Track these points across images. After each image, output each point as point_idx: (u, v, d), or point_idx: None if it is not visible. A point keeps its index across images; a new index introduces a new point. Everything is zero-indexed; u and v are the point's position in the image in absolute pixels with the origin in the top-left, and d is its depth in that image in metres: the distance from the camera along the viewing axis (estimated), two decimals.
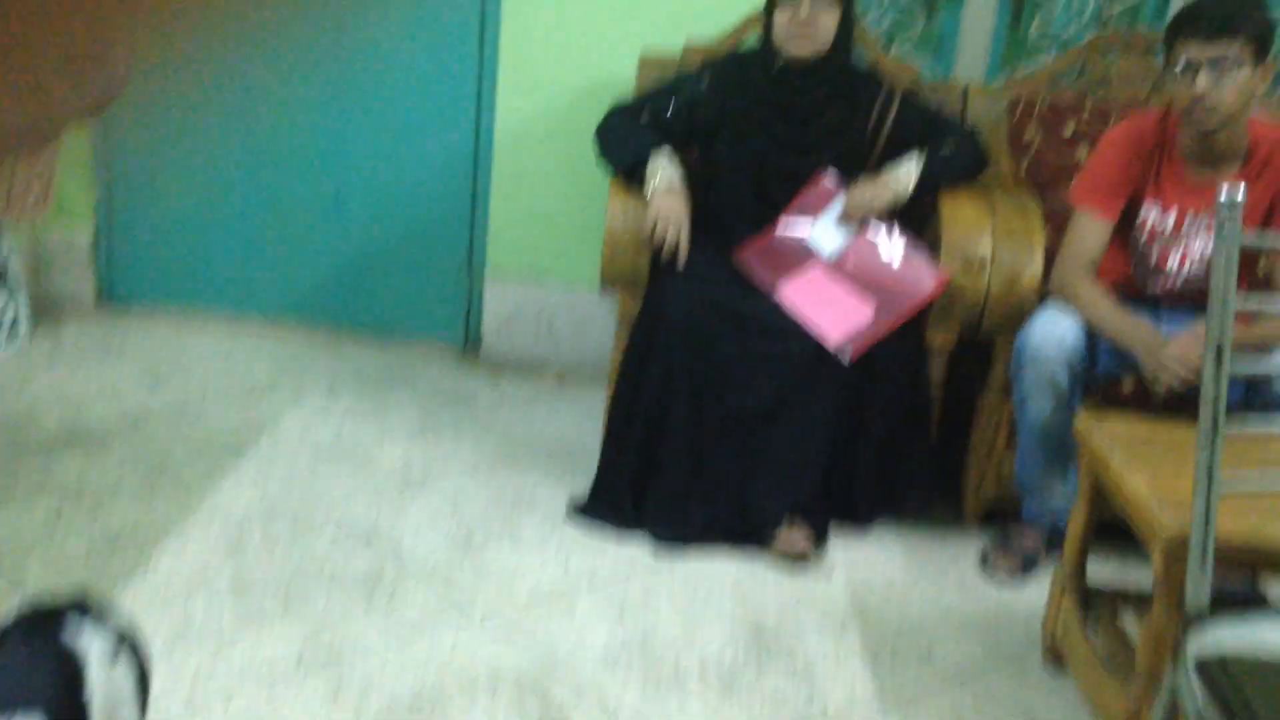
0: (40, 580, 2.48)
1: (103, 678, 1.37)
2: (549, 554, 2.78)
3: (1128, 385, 2.73)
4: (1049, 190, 3.19)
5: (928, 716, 2.31)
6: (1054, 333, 2.65)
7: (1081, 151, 3.23)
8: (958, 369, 3.02)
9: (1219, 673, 1.61)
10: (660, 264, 2.95)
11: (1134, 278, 2.83)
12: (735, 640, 2.51)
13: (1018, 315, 2.79)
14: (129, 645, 1.44)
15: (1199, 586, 1.70)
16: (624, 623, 2.54)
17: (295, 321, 3.98)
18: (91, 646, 1.38)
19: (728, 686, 2.35)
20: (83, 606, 1.48)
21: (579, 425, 3.41)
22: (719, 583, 2.72)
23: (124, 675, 1.42)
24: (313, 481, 3.00)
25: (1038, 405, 2.69)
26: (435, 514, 2.90)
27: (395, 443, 3.25)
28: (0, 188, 1.14)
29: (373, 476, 3.06)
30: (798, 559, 2.79)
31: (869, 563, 2.86)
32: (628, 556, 2.79)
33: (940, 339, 2.92)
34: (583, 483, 3.01)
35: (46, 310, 3.89)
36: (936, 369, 2.94)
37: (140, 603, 2.42)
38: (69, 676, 1.34)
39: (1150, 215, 2.77)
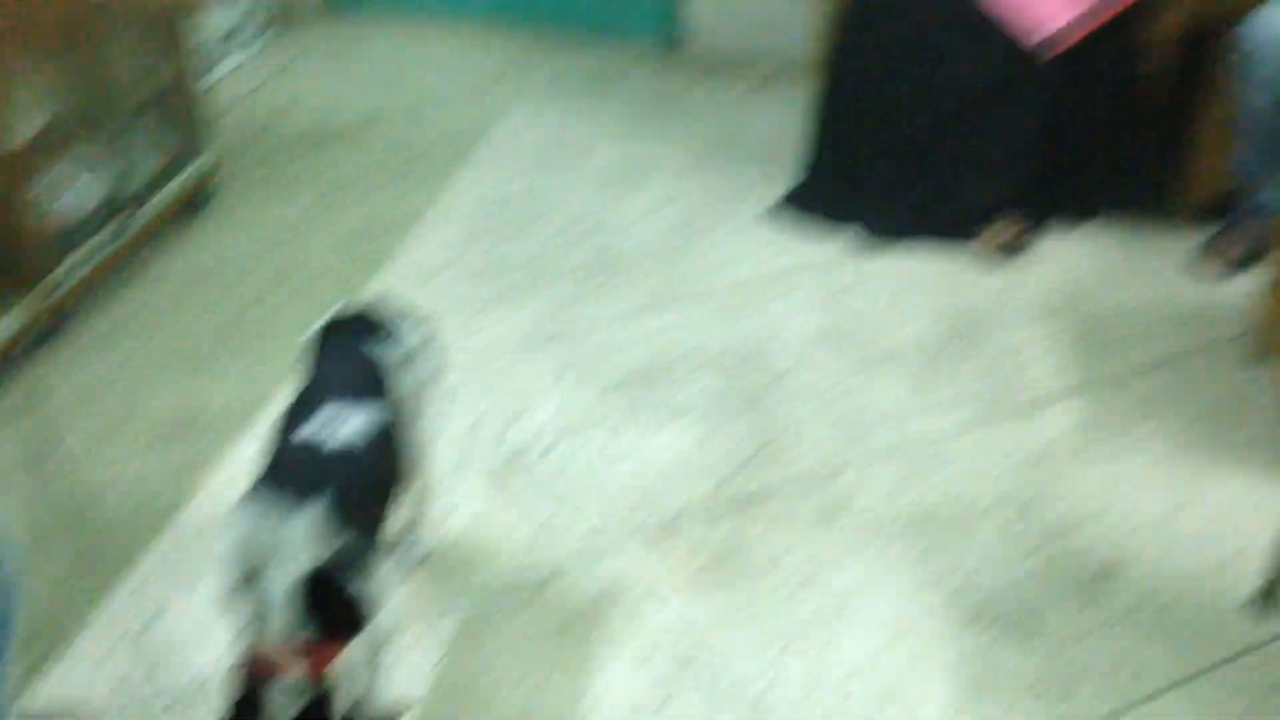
0: (310, 263, 2.79)
1: (402, 380, 1.60)
2: (761, 244, 2.93)
3: None
4: None
5: (1128, 401, 2.41)
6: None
7: None
8: (1180, 61, 2.91)
9: None
10: None
11: None
12: (940, 325, 2.63)
13: (1244, 5, 2.66)
14: (420, 353, 1.67)
15: None
16: (834, 306, 2.69)
17: (509, 24, 4.09)
18: (390, 353, 1.61)
19: (931, 368, 2.50)
20: (377, 318, 1.71)
21: (787, 122, 3.46)
22: (926, 272, 2.82)
23: (416, 378, 1.65)
24: (538, 176, 3.19)
25: (1260, 98, 2.61)
26: (652, 207, 3.07)
27: (610, 141, 3.40)
28: None
29: (591, 172, 3.23)
30: (1007, 251, 2.86)
31: (1080, 257, 2.90)
32: (837, 247, 2.91)
33: (1163, 29, 2.82)
34: (792, 177, 3.11)
35: (279, 19, 4.10)
36: (1158, 61, 2.85)
37: (398, 282, 2.70)
38: (376, 378, 1.57)
39: None
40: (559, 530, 2.03)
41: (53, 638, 1.78)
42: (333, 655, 1.34)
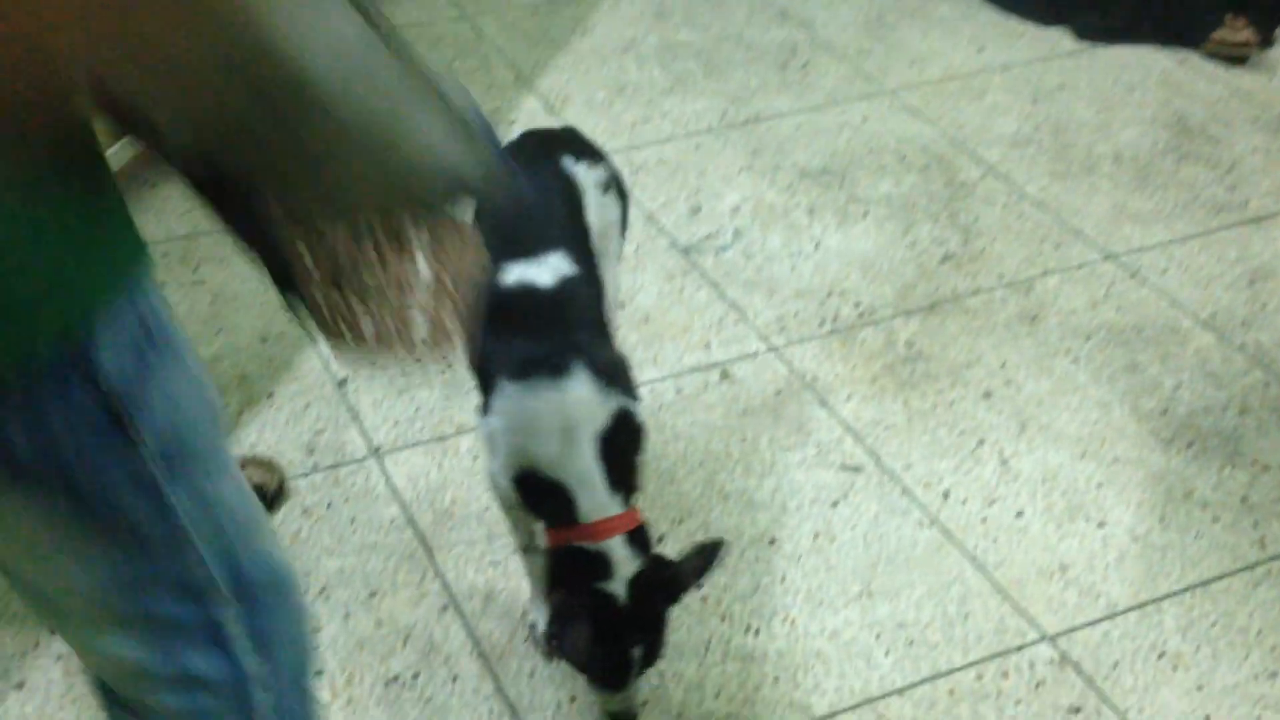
0: (483, 40, 2.73)
1: (597, 201, 1.53)
2: (963, 38, 2.75)
3: None
4: None
5: None
6: None
7: None
8: None
9: None
10: None
11: None
12: (1155, 132, 2.45)
13: None
14: (616, 181, 1.60)
15: None
16: (1036, 108, 2.52)
17: None
18: (588, 175, 1.53)
19: (1142, 177, 2.33)
20: (576, 140, 1.63)
21: None
22: (1144, 74, 2.61)
23: (612, 204, 1.58)
24: None
25: None
26: None
27: None
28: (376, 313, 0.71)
29: None
30: (1236, 54, 2.62)
31: None
32: (1046, 44, 2.71)
33: None
34: None
35: None
36: None
37: (579, 64, 2.63)
38: (572, 196, 1.50)
39: None
40: (744, 318, 1.99)
41: (248, 393, 1.83)
42: (638, 513, 1.32)
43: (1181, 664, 1.49)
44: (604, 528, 1.28)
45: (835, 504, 1.69)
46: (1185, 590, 1.58)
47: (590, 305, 1.42)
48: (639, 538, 1.31)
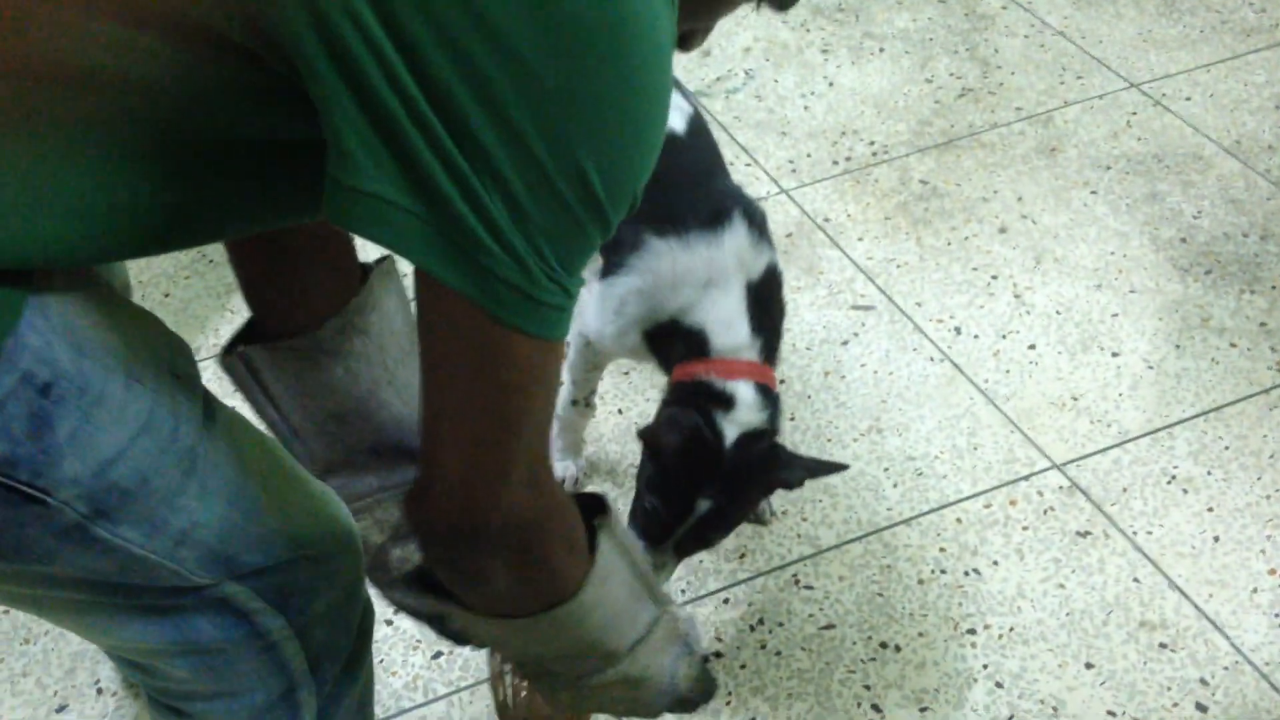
0: None
1: None
2: None
3: None
4: None
5: None
6: None
7: None
8: None
9: None
10: None
11: None
12: None
13: None
14: None
15: None
16: None
17: None
18: None
19: (1168, 2, 2.24)
20: None
21: None
22: None
23: None
24: None
25: None
26: None
27: None
28: None
29: None
30: None
31: None
32: None
33: None
34: None
35: None
36: None
37: None
38: None
39: None
40: (755, 161, 1.96)
41: None
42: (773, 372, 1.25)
43: (1192, 487, 1.49)
44: (736, 367, 1.20)
45: (845, 343, 1.68)
46: (1199, 415, 1.57)
47: (715, 147, 1.36)
48: (768, 395, 1.21)
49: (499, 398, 0.63)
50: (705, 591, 1.38)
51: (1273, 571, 1.40)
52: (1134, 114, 2.02)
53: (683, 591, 1.38)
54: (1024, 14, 2.23)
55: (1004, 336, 1.68)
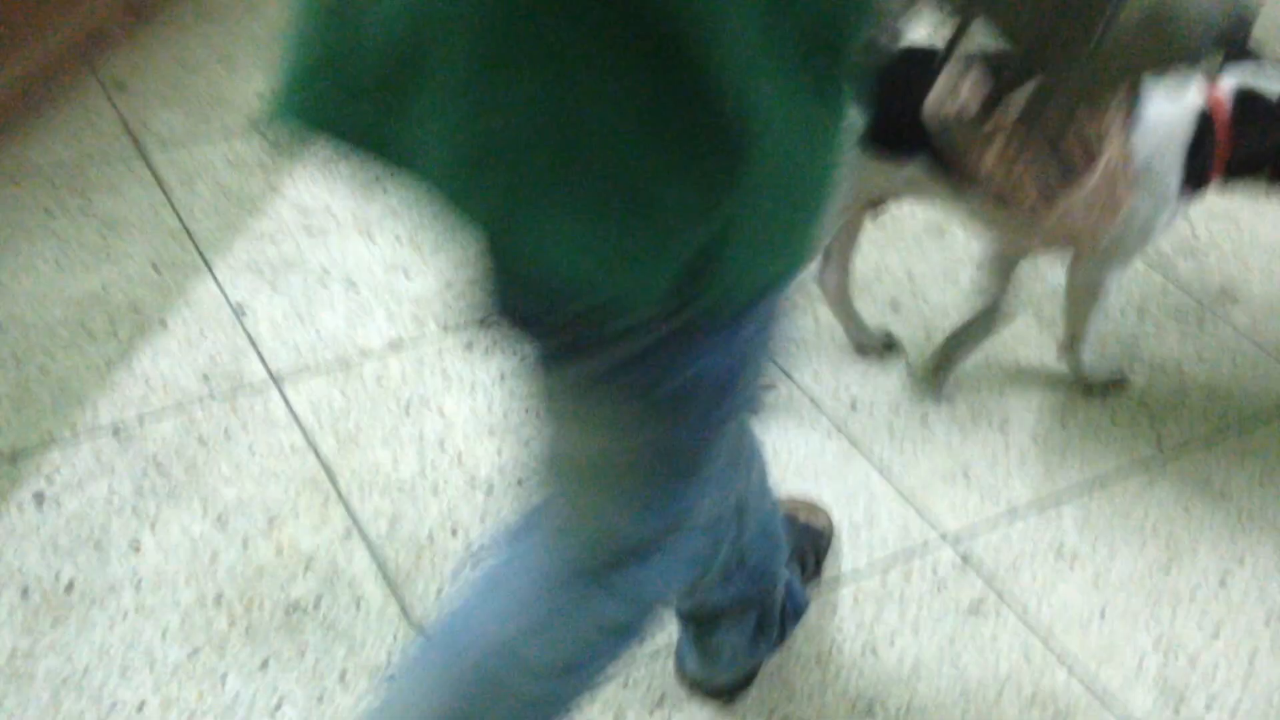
0: None
1: None
2: None
3: None
4: None
5: None
6: None
7: None
8: None
9: None
10: None
11: None
12: None
13: None
14: None
15: None
16: None
17: None
18: None
19: None
20: None
21: None
22: None
23: None
24: None
25: None
26: None
27: None
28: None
29: None
30: None
31: None
32: None
33: None
34: None
35: None
36: None
37: None
38: None
39: None
40: None
41: (140, 321, 1.78)
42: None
43: (1079, 560, 1.52)
44: None
45: None
46: (1083, 489, 1.61)
47: None
48: None
49: None
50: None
51: (1157, 644, 1.43)
52: None
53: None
54: None
55: (897, 410, 1.71)
